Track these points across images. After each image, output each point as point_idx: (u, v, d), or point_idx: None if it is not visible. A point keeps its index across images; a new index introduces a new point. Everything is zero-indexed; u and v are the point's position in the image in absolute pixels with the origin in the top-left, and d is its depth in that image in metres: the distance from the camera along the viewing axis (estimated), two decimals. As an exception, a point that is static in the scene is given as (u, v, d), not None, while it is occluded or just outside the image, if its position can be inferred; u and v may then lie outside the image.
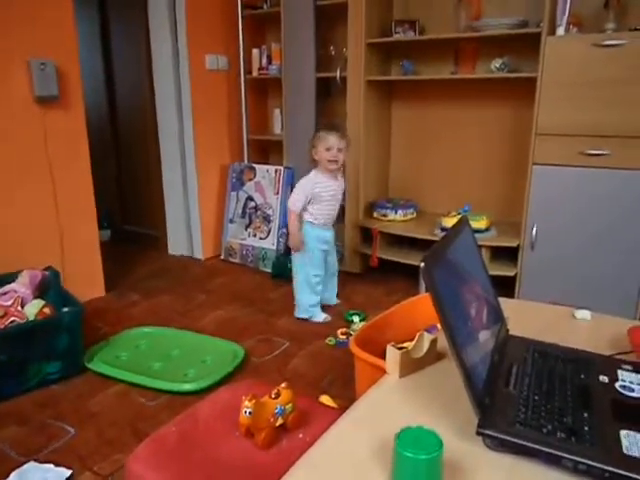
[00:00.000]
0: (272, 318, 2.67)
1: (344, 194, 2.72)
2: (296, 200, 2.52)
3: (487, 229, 2.78)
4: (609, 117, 2.30)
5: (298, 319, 2.64)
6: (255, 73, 3.57)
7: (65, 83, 2.57)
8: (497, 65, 2.73)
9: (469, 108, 3.06)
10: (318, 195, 2.52)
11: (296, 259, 2.63)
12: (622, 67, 2.23)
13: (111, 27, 3.71)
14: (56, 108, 2.57)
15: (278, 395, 1.11)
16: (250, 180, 3.52)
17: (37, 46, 2.44)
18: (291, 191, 3.34)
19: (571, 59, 2.33)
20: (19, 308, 2.04)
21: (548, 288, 2.57)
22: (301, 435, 1.11)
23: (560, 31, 2.38)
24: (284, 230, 3.35)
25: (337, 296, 2.84)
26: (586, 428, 0.73)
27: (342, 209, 3.07)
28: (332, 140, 2.45)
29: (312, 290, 2.62)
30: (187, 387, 1.97)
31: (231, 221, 3.60)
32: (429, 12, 3.02)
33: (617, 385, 0.86)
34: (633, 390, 0.84)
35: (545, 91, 2.41)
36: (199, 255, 3.65)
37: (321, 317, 2.64)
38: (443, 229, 2.80)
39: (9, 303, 2.04)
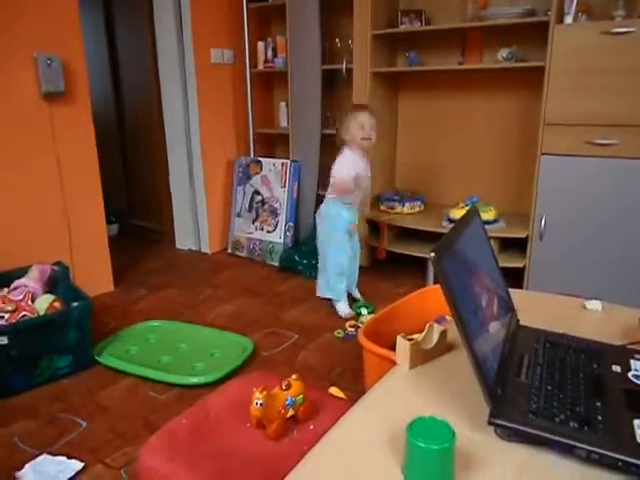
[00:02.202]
0: (280, 311, 2.67)
1: None
2: (348, 172, 2.41)
3: (495, 220, 2.76)
4: (618, 106, 2.27)
5: (322, 299, 2.63)
6: (261, 66, 3.56)
7: (71, 78, 2.57)
8: (504, 55, 2.70)
9: (476, 99, 3.04)
10: (357, 176, 2.44)
11: (325, 241, 2.57)
12: (632, 55, 2.20)
13: (116, 21, 3.72)
14: (63, 103, 2.57)
15: (289, 387, 1.12)
16: (256, 174, 3.51)
17: (43, 41, 2.44)
18: (298, 185, 3.37)
19: (580, 47, 2.30)
20: (30, 303, 2.06)
21: (557, 279, 2.55)
22: (312, 426, 1.11)
23: (568, 19, 2.35)
24: (291, 223, 3.36)
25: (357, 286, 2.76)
26: (599, 417, 0.73)
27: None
28: (364, 117, 2.41)
29: (340, 274, 2.56)
30: (196, 380, 1.98)
31: (238, 215, 3.60)
32: (435, 2, 2.99)
33: (630, 375, 0.85)
34: (646, 380, 0.84)
35: (553, 80, 2.39)
36: (206, 249, 3.66)
37: (346, 310, 2.58)
38: (451, 221, 2.78)
39: (20, 298, 2.06)
